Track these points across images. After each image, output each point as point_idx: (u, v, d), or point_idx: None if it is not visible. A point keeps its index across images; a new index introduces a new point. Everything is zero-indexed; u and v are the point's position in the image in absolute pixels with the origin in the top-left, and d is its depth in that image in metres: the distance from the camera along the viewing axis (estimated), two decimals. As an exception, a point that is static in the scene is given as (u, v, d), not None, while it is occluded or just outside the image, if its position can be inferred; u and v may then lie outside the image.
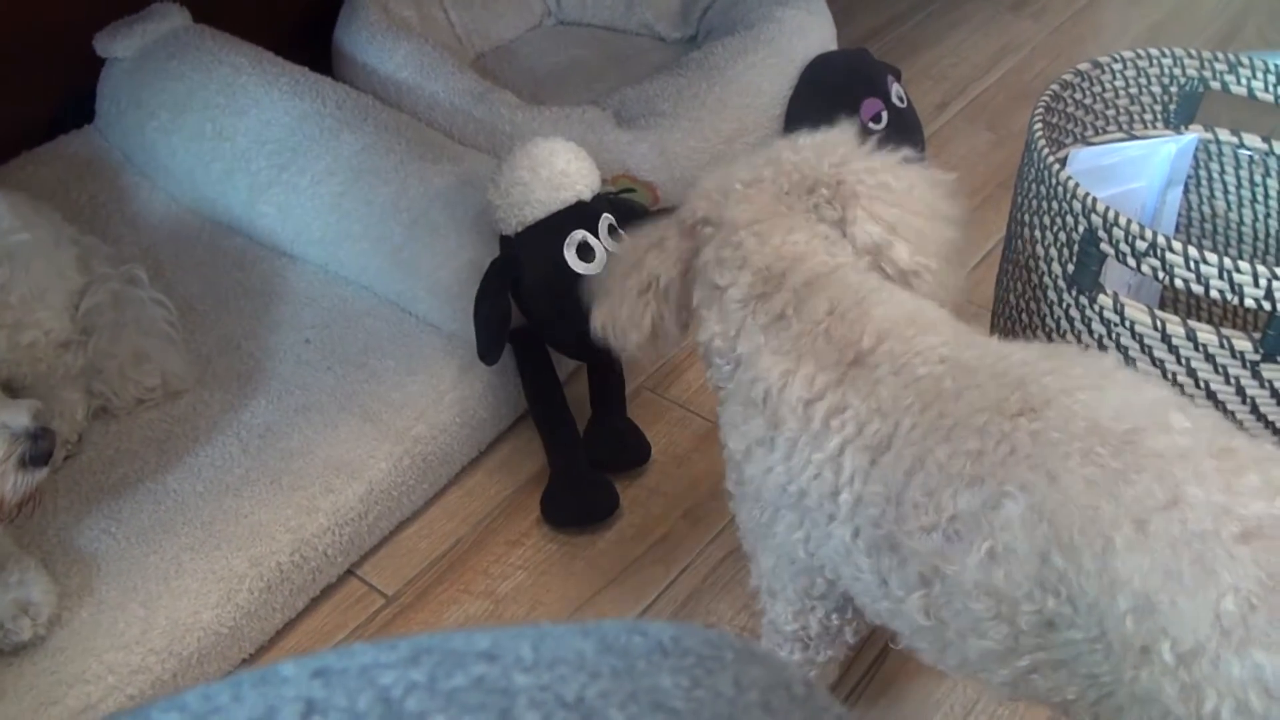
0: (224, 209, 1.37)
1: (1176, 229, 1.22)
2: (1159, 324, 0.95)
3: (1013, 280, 1.09)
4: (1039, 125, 1.04)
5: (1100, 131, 1.16)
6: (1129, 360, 0.98)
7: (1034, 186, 1.03)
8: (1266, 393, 0.95)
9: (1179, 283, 0.92)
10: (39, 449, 0.89)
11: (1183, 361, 0.96)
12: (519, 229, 1.15)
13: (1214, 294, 0.91)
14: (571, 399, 1.22)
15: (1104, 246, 0.95)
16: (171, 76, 1.40)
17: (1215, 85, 1.14)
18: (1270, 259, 1.19)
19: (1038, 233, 1.03)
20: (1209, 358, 0.95)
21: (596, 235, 1.14)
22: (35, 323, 1.07)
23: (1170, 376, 0.97)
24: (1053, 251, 1.01)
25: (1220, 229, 1.22)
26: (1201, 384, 0.96)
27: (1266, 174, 1.16)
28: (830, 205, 0.83)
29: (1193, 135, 1.16)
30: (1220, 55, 1.13)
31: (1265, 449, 0.65)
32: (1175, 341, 0.95)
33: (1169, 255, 0.91)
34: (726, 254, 0.82)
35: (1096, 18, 1.96)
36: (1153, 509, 0.61)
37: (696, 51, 1.56)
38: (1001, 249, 1.16)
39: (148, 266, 1.24)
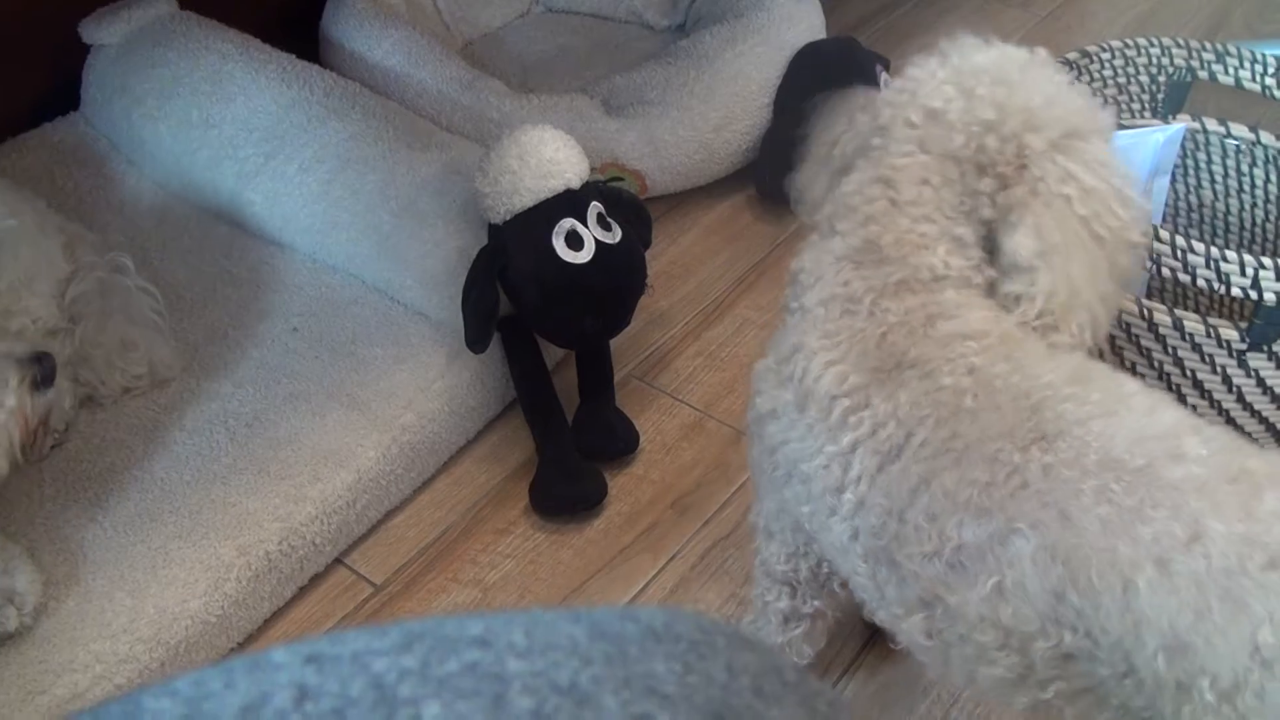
0: (211, 197, 1.36)
1: (1163, 218, 1.22)
2: (1145, 313, 0.95)
3: (1001, 269, 1.10)
4: (1027, 114, 1.04)
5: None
6: (1116, 351, 0.99)
7: (1022, 175, 1.03)
8: (1253, 381, 0.95)
9: (1166, 271, 0.92)
10: (46, 369, 0.97)
11: (1169, 350, 0.96)
12: (507, 217, 1.15)
13: (1201, 283, 0.91)
14: (560, 387, 1.22)
15: (1092, 235, 0.95)
16: (157, 63, 1.39)
17: (1203, 75, 1.15)
18: (1256, 248, 1.20)
19: (1026, 222, 1.03)
20: (1195, 347, 0.95)
21: (585, 224, 1.14)
22: (23, 310, 1.07)
23: (1157, 365, 0.97)
24: (1041, 240, 1.01)
25: (1207, 218, 1.22)
26: (1188, 373, 0.97)
27: (1253, 164, 1.17)
28: (990, 203, 0.74)
29: (1180, 125, 1.16)
30: (1208, 45, 1.14)
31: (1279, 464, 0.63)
32: (1162, 330, 0.95)
33: (1156, 244, 0.92)
34: (857, 202, 0.76)
35: (1084, 7, 1.96)
36: (1173, 548, 0.60)
37: (685, 40, 1.56)
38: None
39: (134, 254, 1.23)
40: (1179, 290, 1.23)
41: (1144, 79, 1.16)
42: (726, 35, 1.51)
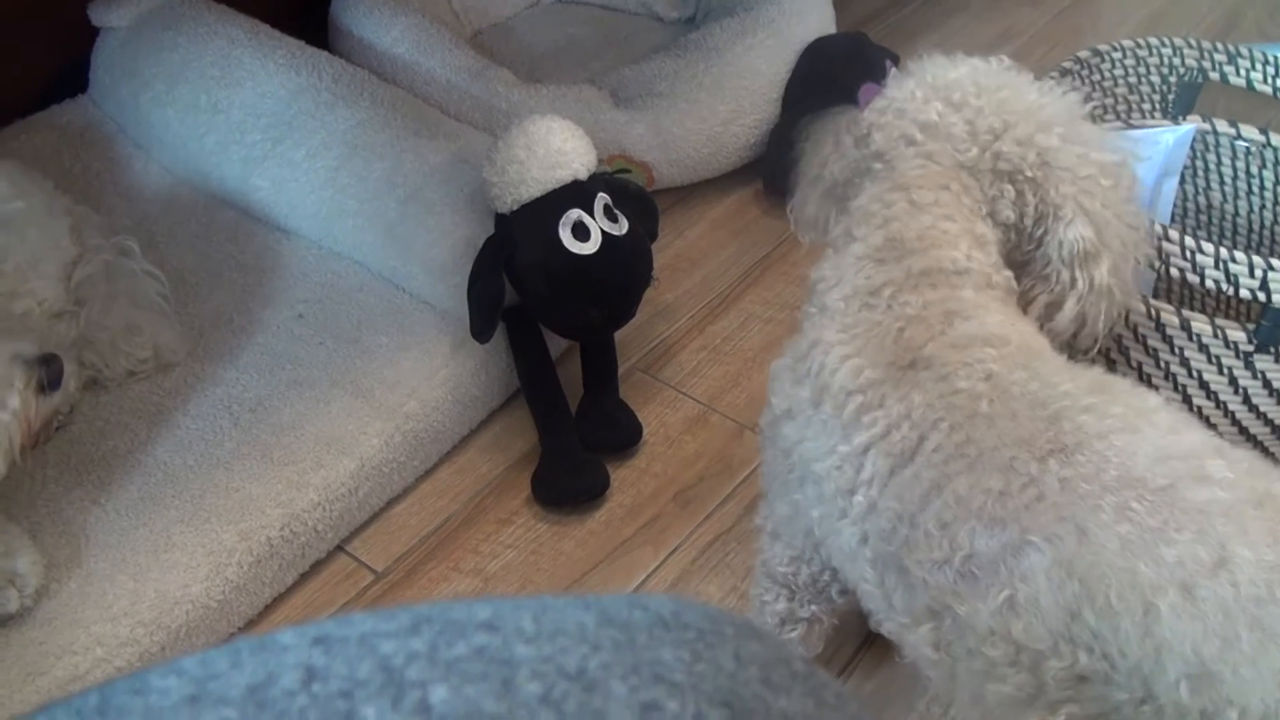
0: (218, 182, 1.36)
1: (1172, 219, 1.22)
2: (1153, 313, 0.95)
3: (1008, 267, 1.09)
4: (1038, 112, 1.03)
5: (1098, 120, 1.16)
6: (1122, 350, 0.98)
7: (1031, 173, 1.03)
8: (1259, 383, 0.95)
9: (1174, 272, 0.92)
10: (53, 372, 0.96)
11: (1176, 351, 0.96)
12: (514, 207, 1.15)
13: (1209, 284, 0.91)
14: (564, 378, 1.22)
15: (1100, 235, 0.95)
16: (166, 47, 1.39)
17: (1214, 76, 1.14)
18: (1265, 250, 1.19)
19: (1034, 220, 1.03)
20: (1203, 348, 0.95)
21: (592, 215, 1.13)
22: (29, 292, 1.07)
23: (1163, 366, 0.97)
24: (1049, 239, 1.01)
25: (1216, 220, 1.22)
26: (1194, 374, 0.96)
27: (1263, 166, 1.16)
28: (1015, 203, 0.76)
29: (1190, 126, 1.16)
30: (1220, 46, 1.13)
31: None
32: (1169, 331, 0.95)
33: (1165, 244, 0.91)
34: (875, 208, 0.76)
35: (1095, 6, 1.95)
36: (1198, 572, 0.58)
37: (695, 32, 1.56)
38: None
39: (140, 238, 1.23)
40: (1187, 291, 1.22)
41: (1155, 79, 1.16)
42: (736, 29, 1.51)
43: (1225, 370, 0.95)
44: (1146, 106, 1.17)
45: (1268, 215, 1.18)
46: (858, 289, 0.75)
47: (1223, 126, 1.17)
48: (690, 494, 1.16)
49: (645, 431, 1.21)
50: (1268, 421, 0.97)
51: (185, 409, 1.14)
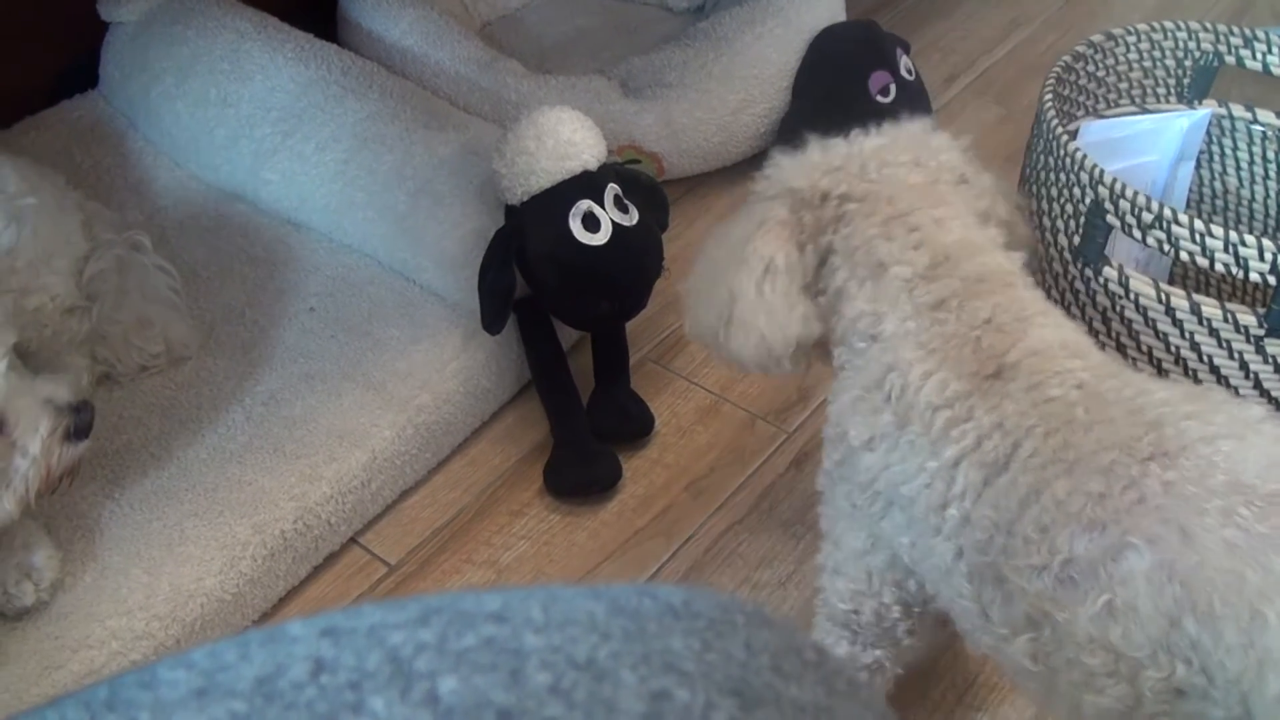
0: (228, 176, 1.36)
1: (1187, 204, 1.21)
2: (1163, 297, 0.94)
3: (1020, 254, 1.09)
4: (1050, 96, 1.03)
5: (1112, 104, 1.16)
6: (1132, 335, 0.98)
7: (1042, 158, 1.03)
8: (1270, 368, 0.94)
9: (1184, 255, 0.91)
10: (82, 421, 0.92)
11: (1186, 335, 0.95)
12: (524, 198, 1.15)
13: (1219, 268, 0.90)
14: (575, 370, 1.22)
15: (1110, 218, 0.95)
16: (176, 41, 1.39)
17: (1230, 60, 1.13)
18: (1279, 235, 1.18)
19: (1045, 204, 1.03)
20: (1213, 332, 0.94)
21: (602, 205, 1.13)
22: (41, 287, 1.07)
23: (1174, 351, 0.97)
24: (1059, 223, 1.01)
25: (1231, 205, 1.21)
26: (1205, 358, 0.96)
27: (1279, 150, 1.15)
28: (981, 200, 0.81)
29: (1206, 110, 1.15)
30: (1236, 30, 1.13)
31: None
32: (1180, 315, 0.95)
33: (1175, 228, 0.91)
34: (898, 232, 0.77)
35: (1108, -9, 1.94)
36: None
37: (704, 22, 1.55)
38: (1009, 223, 1.15)
39: (151, 233, 1.24)
40: (1200, 278, 1.22)
41: (1170, 63, 1.15)
42: (746, 18, 1.50)
43: (1236, 354, 0.94)
44: (1161, 91, 1.16)
45: (1283, 200, 1.18)
46: (920, 307, 0.75)
47: (1239, 111, 1.16)
48: (702, 484, 1.16)
49: (657, 422, 1.20)
50: (1279, 406, 0.96)
51: (197, 403, 1.14)
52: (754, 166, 1.50)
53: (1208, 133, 1.17)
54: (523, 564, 1.10)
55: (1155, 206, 0.91)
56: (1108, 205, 0.94)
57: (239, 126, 1.34)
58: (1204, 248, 0.90)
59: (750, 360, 0.82)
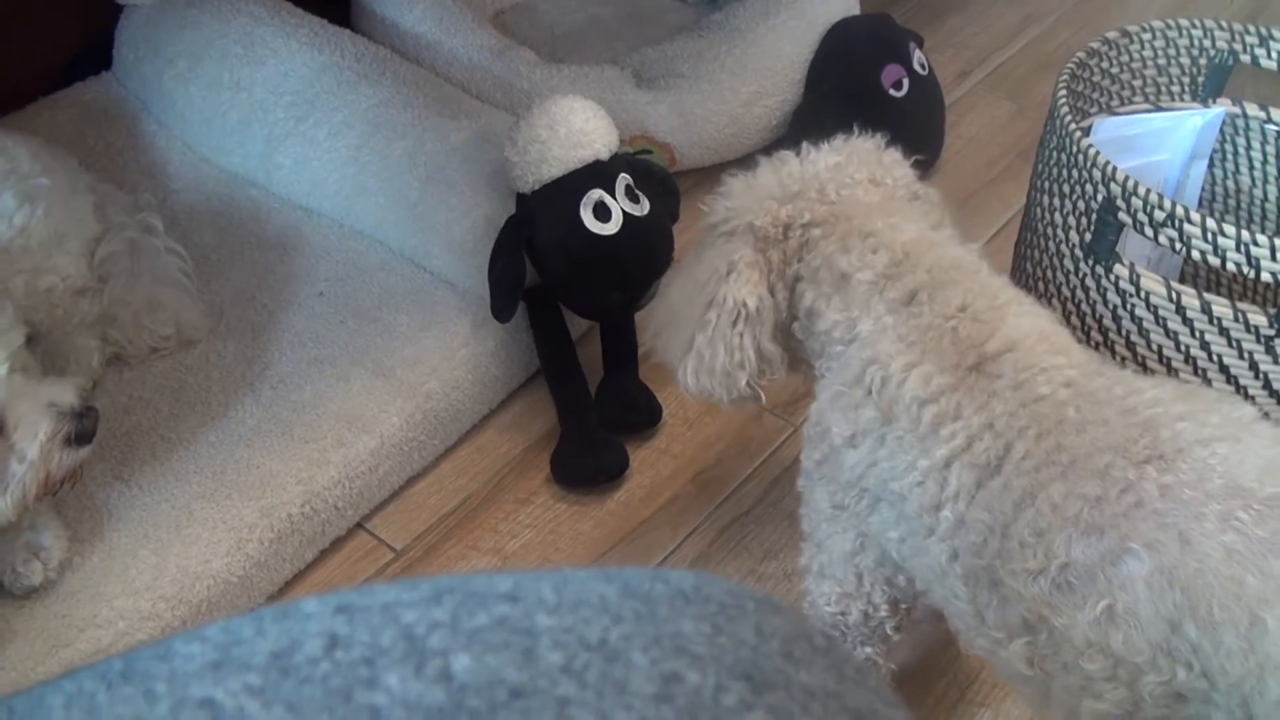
0: (240, 160, 1.36)
1: (1199, 203, 1.21)
2: (1174, 296, 0.94)
3: (1030, 249, 1.09)
4: (1063, 92, 1.03)
5: (1126, 101, 1.15)
6: (1142, 333, 0.98)
7: (1055, 154, 1.02)
8: (1281, 368, 0.94)
9: (1196, 254, 0.91)
10: (84, 427, 0.91)
11: (1196, 335, 0.95)
12: (535, 187, 1.15)
13: (1231, 267, 0.90)
14: (584, 359, 1.22)
15: (1122, 216, 0.95)
16: (190, 24, 1.39)
17: (1245, 58, 1.13)
18: (1292, 235, 1.18)
19: (1056, 201, 1.02)
20: (1223, 331, 0.94)
21: (613, 195, 1.13)
22: (53, 268, 1.07)
23: (1184, 350, 0.96)
24: (1071, 220, 1.00)
25: (1244, 204, 1.21)
26: (1215, 358, 0.96)
27: (1292, 150, 1.15)
28: (931, 214, 0.84)
29: (1220, 109, 1.14)
30: (1251, 28, 1.12)
31: None
32: (1190, 314, 0.94)
33: (1187, 226, 0.91)
34: (854, 243, 0.78)
35: (1123, -12, 1.93)
36: None
37: (717, 13, 1.55)
38: (1019, 220, 1.15)
39: (163, 216, 1.24)
40: (1211, 277, 1.21)
41: (1184, 61, 1.14)
42: (760, 9, 1.50)
43: (1246, 354, 0.94)
44: (1175, 89, 1.16)
45: (1296, 200, 1.17)
46: (892, 304, 0.75)
47: (1253, 110, 1.15)
48: (709, 475, 1.16)
49: (665, 412, 1.20)
50: (1291, 407, 0.96)
51: (207, 386, 1.14)
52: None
53: (1221, 131, 1.17)
54: (528, 552, 1.10)
55: (1167, 205, 0.91)
56: (1120, 203, 0.94)
57: (252, 111, 1.34)
58: (1216, 247, 0.90)
59: (716, 396, 0.84)
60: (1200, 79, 1.15)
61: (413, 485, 1.16)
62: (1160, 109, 1.15)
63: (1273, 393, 0.96)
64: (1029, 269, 1.08)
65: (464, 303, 1.21)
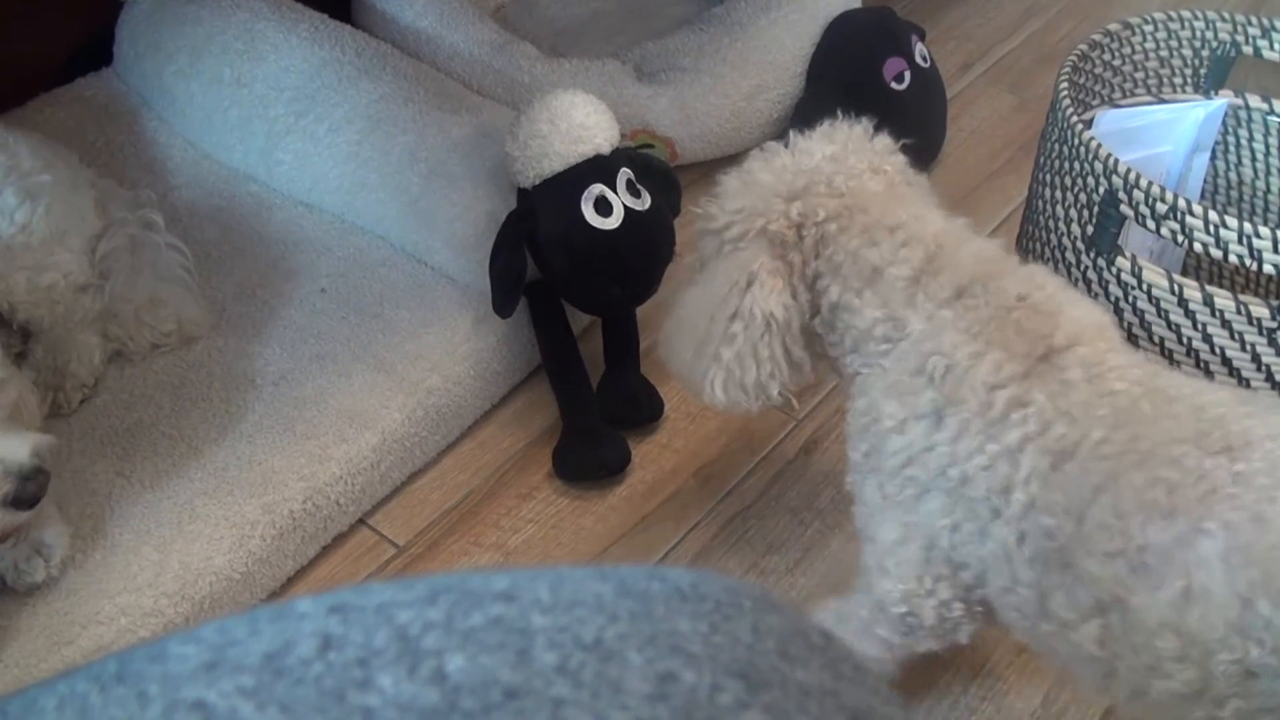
0: (241, 156, 1.36)
1: (1202, 195, 1.20)
2: (1176, 288, 0.94)
3: (1032, 241, 1.09)
4: (1065, 85, 1.02)
5: (1128, 93, 1.15)
6: (1144, 325, 0.98)
7: (1057, 147, 1.02)
8: (1284, 361, 0.94)
9: (1198, 246, 0.91)
10: (26, 491, 0.86)
11: (1199, 327, 0.95)
12: (536, 182, 1.15)
13: (1233, 259, 0.90)
14: (585, 354, 1.22)
15: (1124, 208, 0.94)
16: (190, 20, 1.39)
17: (1248, 50, 1.12)
18: (1295, 228, 1.18)
19: (1058, 193, 1.02)
20: (1225, 323, 0.94)
21: (615, 190, 1.13)
22: (55, 265, 1.07)
23: (1186, 342, 0.96)
24: (1072, 213, 1.00)
25: (1246, 196, 1.20)
26: (1217, 350, 0.96)
27: (1295, 141, 1.15)
28: (930, 196, 0.85)
29: (1222, 100, 1.14)
30: (1254, 19, 1.12)
31: None
32: (1192, 306, 0.94)
33: (1188, 218, 0.90)
34: (881, 235, 0.78)
35: (1125, -20, 1.92)
36: None
37: (719, 6, 1.54)
38: (1020, 214, 1.15)
39: (164, 212, 1.24)
40: (1214, 269, 1.21)
41: (1187, 52, 1.14)
42: (761, 3, 1.50)
43: (1248, 346, 0.94)
44: (1178, 80, 1.16)
45: (1299, 192, 1.17)
46: (941, 300, 0.76)
47: (1255, 101, 1.15)
48: (711, 470, 1.16)
49: (667, 407, 1.20)
50: (1294, 399, 0.96)
51: (208, 382, 1.14)
52: (767, 152, 1.51)
53: (1223, 123, 1.16)
54: (530, 547, 1.10)
55: (1169, 197, 0.91)
56: (1122, 195, 0.94)
57: (252, 106, 1.34)
58: (1218, 239, 0.89)
59: (745, 407, 0.84)
60: (1202, 71, 1.15)
61: (415, 481, 1.16)
62: (1162, 101, 1.15)
63: (1275, 385, 0.96)
64: (1031, 261, 1.08)
65: (465, 298, 1.21)
